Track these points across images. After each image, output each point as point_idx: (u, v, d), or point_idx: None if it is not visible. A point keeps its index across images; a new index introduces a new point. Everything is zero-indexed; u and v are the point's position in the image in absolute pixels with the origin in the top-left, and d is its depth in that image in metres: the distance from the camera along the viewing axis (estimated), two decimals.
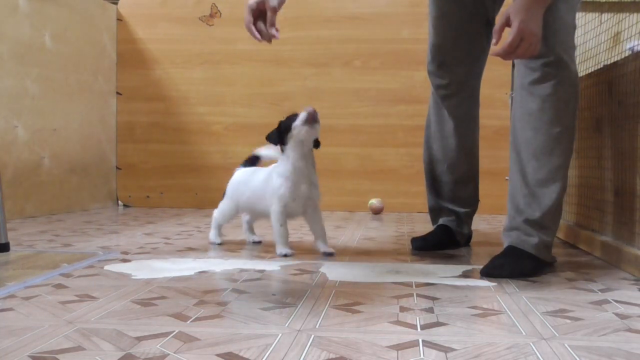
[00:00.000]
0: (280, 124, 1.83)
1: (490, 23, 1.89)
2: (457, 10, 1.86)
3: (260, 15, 1.70)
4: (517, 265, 1.57)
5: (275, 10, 1.69)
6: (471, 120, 2.00)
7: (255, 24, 1.70)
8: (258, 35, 1.70)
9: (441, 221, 2.03)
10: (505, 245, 1.65)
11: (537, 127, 1.60)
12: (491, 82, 3.39)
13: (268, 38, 1.71)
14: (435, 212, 2.06)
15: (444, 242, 2.00)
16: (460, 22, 1.87)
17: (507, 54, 1.46)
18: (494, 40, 1.49)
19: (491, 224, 2.76)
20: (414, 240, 1.99)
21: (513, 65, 1.74)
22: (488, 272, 1.55)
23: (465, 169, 2.01)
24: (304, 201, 1.84)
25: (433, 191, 2.05)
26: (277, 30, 1.71)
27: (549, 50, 1.56)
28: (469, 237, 2.08)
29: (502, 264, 1.57)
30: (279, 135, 1.82)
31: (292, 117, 1.81)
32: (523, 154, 1.62)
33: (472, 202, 2.05)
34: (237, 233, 2.29)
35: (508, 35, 1.46)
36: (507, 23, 1.46)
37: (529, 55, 1.48)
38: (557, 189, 1.61)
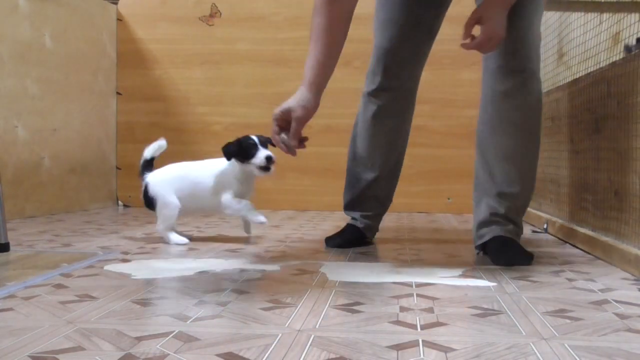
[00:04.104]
0: (240, 145, 1.99)
1: (432, 31, 1.97)
2: (405, 16, 1.92)
3: (287, 125, 1.66)
4: (524, 251, 1.75)
5: (300, 121, 1.66)
6: (404, 124, 2.04)
7: (280, 133, 1.67)
8: (283, 147, 1.67)
9: (352, 221, 2.06)
10: (488, 237, 1.79)
11: (508, 133, 1.77)
12: None
13: (292, 152, 1.67)
14: (350, 207, 2.08)
15: (356, 241, 2.03)
16: (406, 27, 1.92)
17: (475, 49, 1.66)
18: (463, 34, 1.65)
19: None
20: (329, 240, 2.04)
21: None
22: (511, 262, 1.69)
23: (387, 170, 2.04)
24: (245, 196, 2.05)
25: (350, 188, 2.07)
26: (303, 141, 1.69)
27: (523, 61, 1.74)
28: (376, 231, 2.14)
29: (515, 252, 1.73)
30: (238, 155, 1.99)
31: (251, 147, 1.98)
32: (491, 157, 1.80)
33: (385, 202, 2.09)
34: (237, 231, 2.29)
35: (479, 32, 1.64)
36: (478, 21, 1.63)
37: (490, 51, 1.70)
38: (524, 192, 1.81)
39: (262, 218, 2.02)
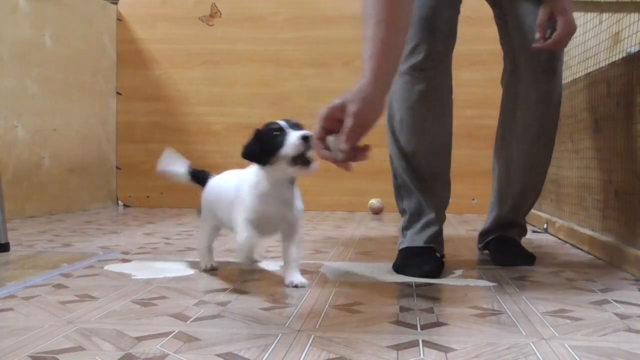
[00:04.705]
0: (260, 137, 1.34)
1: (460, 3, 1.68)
2: None
3: (337, 127, 1.20)
4: (526, 251, 1.76)
5: (359, 116, 1.18)
6: (449, 94, 1.69)
7: (324, 137, 1.21)
8: (329, 155, 1.21)
9: (426, 239, 1.62)
10: (491, 237, 1.81)
11: (532, 141, 1.71)
12: (491, 82, 3.39)
13: (342, 162, 1.20)
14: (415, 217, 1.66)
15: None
16: None
17: (552, 48, 1.57)
18: (538, 35, 1.56)
19: None
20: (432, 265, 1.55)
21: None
22: (513, 263, 1.69)
23: (443, 160, 1.68)
24: (277, 222, 1.44)
25: (407, 194, 1.67)
26: (363, 150, 1.20)
27: (554, 62, 1.66)
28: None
29: (517, 253, 1.75)
30: (262, 154, 1.34)
31: (275, 135, 1.31)
32: (511, 166, 1.75)
33: (446, 202, 1.71)
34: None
35: (557, 29, 1.54)
36: (551, 16, 1.54)
37: (564, 47, 1.62)
38: (536, 196, 1.82)
39: (259, 262, 1.67)
